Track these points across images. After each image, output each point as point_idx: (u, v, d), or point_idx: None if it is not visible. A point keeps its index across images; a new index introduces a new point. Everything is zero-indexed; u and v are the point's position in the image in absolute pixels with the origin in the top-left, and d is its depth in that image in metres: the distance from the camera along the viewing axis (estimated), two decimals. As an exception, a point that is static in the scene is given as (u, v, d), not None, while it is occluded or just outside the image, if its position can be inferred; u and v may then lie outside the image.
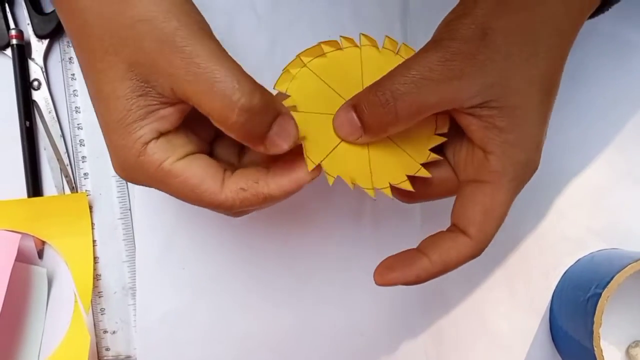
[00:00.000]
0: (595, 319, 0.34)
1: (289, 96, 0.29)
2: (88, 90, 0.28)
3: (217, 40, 0.26)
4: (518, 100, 0.27)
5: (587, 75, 0.40)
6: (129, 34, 0.25)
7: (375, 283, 0.29)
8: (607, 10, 0.30)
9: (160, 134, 0.27)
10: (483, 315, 0.40)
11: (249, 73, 0.26)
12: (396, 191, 0.30)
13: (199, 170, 0.27)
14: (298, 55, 0.29)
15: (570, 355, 0.39)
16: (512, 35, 0.26)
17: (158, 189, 0.28)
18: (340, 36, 0.30)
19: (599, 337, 0.34)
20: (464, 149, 0.29)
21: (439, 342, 0.40)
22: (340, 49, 0.30)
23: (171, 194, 0.28)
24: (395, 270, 0.29)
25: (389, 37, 0.30)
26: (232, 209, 0.27)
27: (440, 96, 0.27)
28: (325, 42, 0.29)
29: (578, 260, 0.40)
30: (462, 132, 0.29)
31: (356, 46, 0.30)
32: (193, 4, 0.27)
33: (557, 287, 0.40)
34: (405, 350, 0.40)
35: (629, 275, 0.34)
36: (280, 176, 0.27)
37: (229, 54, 0.26)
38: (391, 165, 0.29)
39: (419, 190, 0.29)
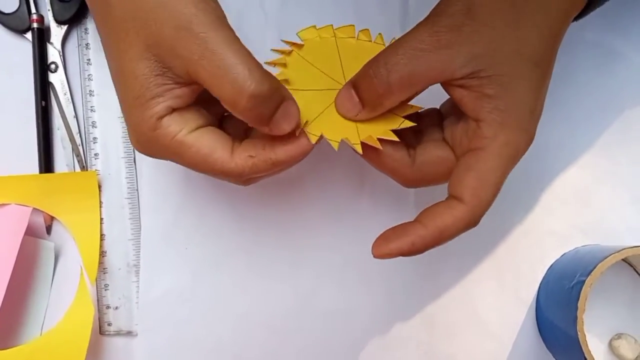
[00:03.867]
0: (579, 305, 0.36)
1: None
2: (110, 70, 0.30)
3: (231, 28, 0.28)
4: (506, 68, 0.28)
5: (574, 80, 0.43)
6: (150, 17, 0.27)
7: (373, 256, 0.30)
8: (592, 11, 0.32)
9: (174, 110, 0.29)
10: (473, 305, 0.42)
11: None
12: (389, 168, 0.31)
13: (210, 141, 0.29)
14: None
15: (555, 344, 0.40)
16: (497, 11, 0.28)
17: (172, 159, 0.30)
18: (314, 25, 0.33)
19: (582, 322, 0.36)
20: (459, 126, 0.31)
21: (431, 328, 0.41)
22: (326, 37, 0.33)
23: (185, 164, 0.30)
24: (391, 241, 0.30)
25: (364, 30, 0.33)
26: (242, 176, 0.29)
27: (430, 66, 0.28)
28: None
29: (563, 254, 0.42)
30: (458, 112, 0.31)
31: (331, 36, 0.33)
32: None
33: (543, 279, 0.42)
34: (398, 335, 0.41)
35: (611, 270, 0.36)
36: (286, 143, 0.29)
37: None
38: (375, 122, 0.31)
39: (420, 171, 0.31)
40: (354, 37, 0.33)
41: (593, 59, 0.43)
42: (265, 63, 0.32)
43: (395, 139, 0.30)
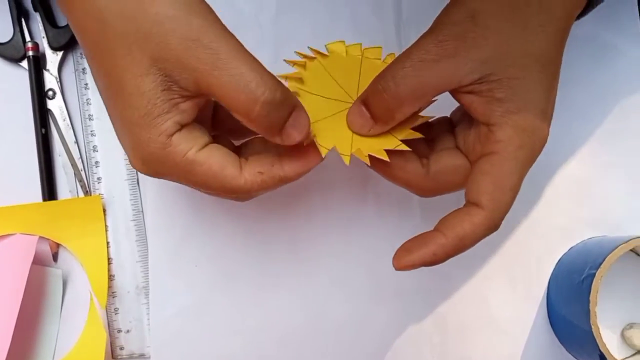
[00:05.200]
0: (590, 298, 0.36)
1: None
2: (104, 91, 0.29)
3: (237, 38, 0.28)
4: (514, 71, 0.28)
5: (570, 75, 0.43)
6: (154, 31, 0.27)
7: (395, 268, 0.30)
8: (593, 9, 0.33)
9: (182, 126, 0.29)
10: (484, 304, 0.42)
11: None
12: (388, 172, 0.31)
13: (220, 158, 0.29)
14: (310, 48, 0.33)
15: (569, 338, 0.41)
16: (500, 15, 0.28)
17: (181, 179, 0.30)
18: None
19: (595, 315, 0.36)
20: (472, 133, 0.31)
21: (443, 330, 0.41)
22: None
23: (194, 183, 0.29)
24: (412, 252, 0.29)
25: (391, 54, 0.33)
26: (250, 193, 0.29)
27: (438, 75, 0.28)
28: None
29: (571, 248, 0.42)
30: (469, 119, 0.31)
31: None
32: (209, 5, 0.29)
33: (552, 274, 0.42)
34: (411, 339, 0.41)
35: (620, 261, 0.36)
36: (295, 159, 0.30)
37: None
38: (372, 140, 0.31)
39: (436, 181, 0.31)
40: (380, 59, 0.33)
41: (588, 53, 0.43)
42: (285, 61, 0.32)
43: (406, 148, 0.30)
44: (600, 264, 0.36)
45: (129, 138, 0.29)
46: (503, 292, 0.42)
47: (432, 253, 0.29)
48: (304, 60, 0.33)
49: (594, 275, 0.36)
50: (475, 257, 0.42)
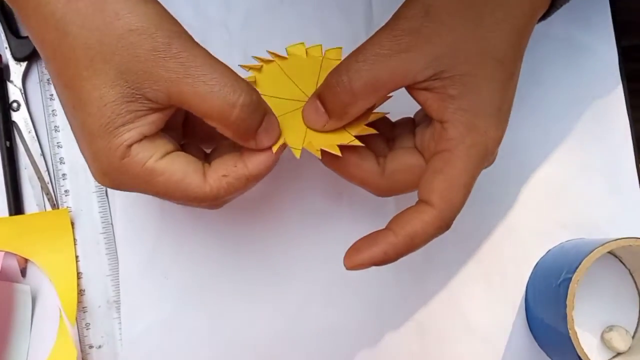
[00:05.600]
0: (567, 303, 0.35)
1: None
2: (64, 101, 0.29)
3: (205, 48, 0.28)
4: (468, 68, 0.28)
5: (544, 77, 0.43)
6: (120, 44, 0.27)
7: (346, 268, 0.29)
8: (559, 8, 0.32)
9: (144, 137, 0.28)
10: (462, 310, 0.41)
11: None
12: (343, 169, 0.31)
13: (181, 166, 0.29)
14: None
15: (548, 342, 0.40)
16: (455, 11, 0.28)
17: (142, 189, 0.29)
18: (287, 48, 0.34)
19: (572, 320, 0.35)
20: (427, 131, 0.30)
21: (422, 337, 0.41)
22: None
23: (156, 193, 0.29)
24: (362, 252, 0.29)
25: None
26: (218, 198, 0.29)
27: (392, 70, 0.28)
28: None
29: (548, 251, 0.42)
30: (429, 119, 0.30)
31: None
32: (173, 16, 0.29)
33: (530, 278, 0.41)
34: (389, 347, 0.40)
35: (597, 264, 0.36)
36: (255, 155, 0.29)
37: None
38: (326, 135, 0.31)
39: (391, 180, 0.31)
40: (340, 59, 0.33)
41: (560, 54, 0.43)
42: (240, 66, 0.32)
43: (359, 143, 0.30)
44: (577, 267, 0.36)
45: (89, 149, 0.28)
46: (481, 298, 0.41)
47: (383, 252, 0.28)
48: (260, 64, 0.33)
49: (570, 279, 0.36)
50: (453, 263, 0.41)
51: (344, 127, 0.31)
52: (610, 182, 0.42)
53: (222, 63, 0.28)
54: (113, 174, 0.28)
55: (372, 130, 0.31)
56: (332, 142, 0.30)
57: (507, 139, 0.31)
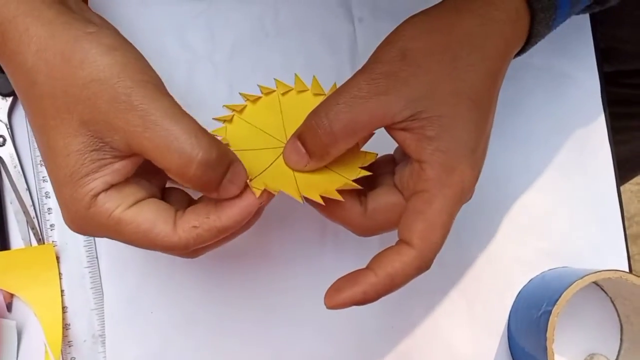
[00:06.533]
0: (547, 335, 0.36)
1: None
2: (38, 146, 0.29)
3: (171, 96, 0.28)
4: (445, 109, 0.29)
5: (525, 107, 0.43)
6: (83, 94, 0.27)
7: (326, 307, 0.29)
8: (534, 44, 0.33)
9: (111, 185, 0.28)
10: (446, 340, 0.42)
11: (210, 117, 0.28)
12: (338, 216, 0.31)
13: (150, 215, 0.28)
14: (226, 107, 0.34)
15: (530, 372, 0.41)
16: (431, 54, 0.29)
17: (111, 237, 0.29)
18: (258, 85, 0.35)
19: (552, 352, 0.36)
20: (407, 170, 0.31)
21: (406, 368, 0.41)
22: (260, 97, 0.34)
23: (125, 242, 0.29)
24: (342, 291, 0.29)
25: (298, 78, 0.34)
26: (187, 248, 0.28)
27: (371, 112, 0.29)
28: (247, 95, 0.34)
29: (530, 280, 0.42)
30: (405, 157, 0.31)
31: (272, 92, 0.34)
32: (145, 61, 0.29)
33: (512, 307, 0.42)
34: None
35: (579, 292, 0.36)
36: (230, 206, 0.29)
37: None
38: (320, 181, 0.31)
39: (373, 219, 0.31)
40: (292, 89, 0.34)
41: (542, 83, 0.44)
42: (214, 119, 0.33)
43: (357, 186, 0.30)
44: (557, 300, 0.36)
45: (59, 196, 0.29)
46: (465, 327, 0.42)
47: (363, 292, 0.29)
48: (230, 115, 0.33)
49: (550, 312, 0.36)
50: (437, 293, 0.42)
51: (335, 170, 0.31)
52: (593, 211, 0.43)
53: (186, 115, 0.27)
54: (80, 222, 0.29)
55: (368, 173, 0.31)
56: (327, 187, 0.30)
57: (488, 168, 0.32)
